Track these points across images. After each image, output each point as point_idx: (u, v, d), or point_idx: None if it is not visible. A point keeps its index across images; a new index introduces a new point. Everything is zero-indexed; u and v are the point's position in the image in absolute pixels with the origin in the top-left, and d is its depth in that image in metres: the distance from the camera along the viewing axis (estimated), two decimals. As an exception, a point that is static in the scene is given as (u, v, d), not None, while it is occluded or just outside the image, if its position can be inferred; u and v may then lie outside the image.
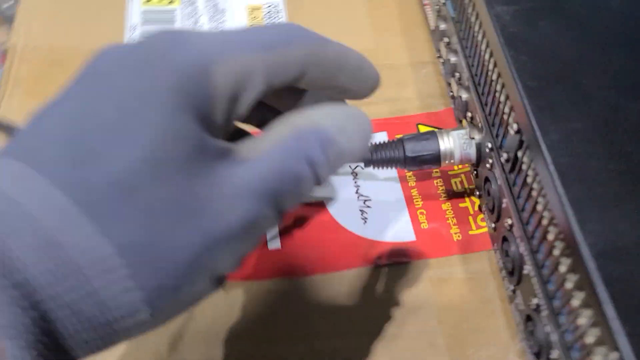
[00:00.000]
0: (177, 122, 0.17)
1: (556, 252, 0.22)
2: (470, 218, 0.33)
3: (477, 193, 0.32)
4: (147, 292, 0.16)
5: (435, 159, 0.31)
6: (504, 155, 0.27)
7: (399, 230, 0.33)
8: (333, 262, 0.32)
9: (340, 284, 0.31)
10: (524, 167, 0.25)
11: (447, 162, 0.31)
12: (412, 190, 0.34)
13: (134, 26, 0.41)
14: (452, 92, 0.35)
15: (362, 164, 0.32)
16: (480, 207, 0.33)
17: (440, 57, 0.38)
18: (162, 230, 0.17)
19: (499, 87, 0.27)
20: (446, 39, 0.35)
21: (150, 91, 0.17)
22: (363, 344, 0.29)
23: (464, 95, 0.32)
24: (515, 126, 0.25)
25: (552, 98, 0.24)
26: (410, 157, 0.31)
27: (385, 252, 0.32)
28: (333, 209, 0.33)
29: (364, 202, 0.34)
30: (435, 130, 0.32)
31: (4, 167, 0.16)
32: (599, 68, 0.25)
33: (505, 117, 0.27)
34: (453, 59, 0.34)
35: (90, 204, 0.16)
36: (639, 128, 0.23)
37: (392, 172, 0.35)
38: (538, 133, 0.23)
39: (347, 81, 0.21)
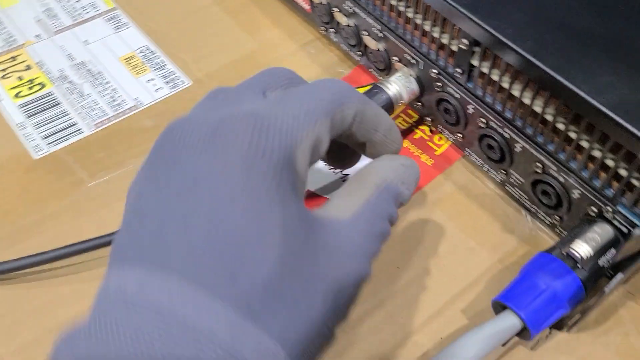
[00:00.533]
0: (291, 213, 0.20)
1: (549, 116, 0.28)
2: (430, 143, 0.38)
3: (428, 119, 0.37)
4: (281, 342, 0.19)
5: (389, 106, 0.35)
6: (458, 70, 0.31)
7: (384, 180, 0.36)
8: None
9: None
10: (485, 70, 0.30)
11: (398, 104, 0.35)
12: (372, 145, 0.38)
13: (23, 124, 0.38)
14: (359, 51, 0.39)
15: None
16: (431, 130, 0.38)
17: (326, 30, 0.41)
18: (304, 312, 0.19)
19: (428, 22, 0.31)
20: (335, 8, 0.38)
21: (261, 190, 0.19)
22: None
23: (381, 45, 0.36)
24: (465, 41, 0.29)
25: (488, 5, 0.28)
26: (371, 113, 0.34)
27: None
28: (318, 190, 0.36)
29: (341, 172, 0.36)
30: (375, 83, 0.36)
31: (164, 283, 0.18)
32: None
33: (443, 41, 0.31)
34: (352, 22, 0.37)
35: (254, 312, 0.18)
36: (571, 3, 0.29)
37: (346, 139, 0.38)
38: (497, 34, 0.27)
39: (380, 138, 0.26)
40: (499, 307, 0.28)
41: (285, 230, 0.19)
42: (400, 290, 0.31)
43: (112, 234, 0.31)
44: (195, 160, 0.20)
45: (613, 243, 0.28)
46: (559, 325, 0.29)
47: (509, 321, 0.26)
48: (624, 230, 0.27)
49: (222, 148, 0.20)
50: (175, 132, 0.22)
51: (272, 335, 0.18)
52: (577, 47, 0.27)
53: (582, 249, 0.27)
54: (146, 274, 0.18)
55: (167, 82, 0.41)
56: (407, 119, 0.39)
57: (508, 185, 0.34)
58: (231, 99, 0.23)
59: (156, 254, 0.18)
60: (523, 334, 0.27)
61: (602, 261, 0.27)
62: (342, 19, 0.38)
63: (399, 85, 0.35)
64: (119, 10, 0.45)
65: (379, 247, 0.23)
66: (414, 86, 0.35)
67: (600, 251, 0.27)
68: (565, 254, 0.28)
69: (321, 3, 0.39)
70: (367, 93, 0.35)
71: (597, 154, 0.27)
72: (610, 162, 0.26)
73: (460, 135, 0.35)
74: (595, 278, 0.28)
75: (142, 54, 0.42)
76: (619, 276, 0.26)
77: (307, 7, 0.42)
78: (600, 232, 0.28)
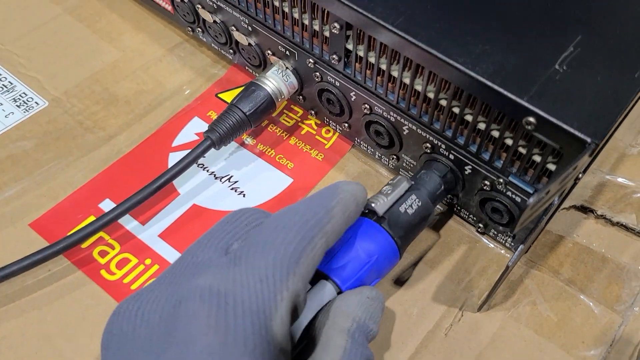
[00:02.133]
0: None
1: (431, 94, 0.27)
2: (317, 137, 0.36)
3: (313, 112, 0.35)
4: None
5: (270, 103, 0.33)
6: (335, 57, 0.30)
7: (275, 182, 0.34)
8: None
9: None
10: (360, 53, 0.28)
11: (279, 100, 0.33)
12: (258, 147, 0.35)
13: None
14: (231, 49, 0.36)
15: (215, 147, 0.32)
16: (317, 124, 0.36)
17: (193, 30, 0.38)
18: None
19: (296, 9, 0.29)
20: (199, 5, 0.35)
21: None
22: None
23: (252, 40, 0.34)
24: (336, 25, 0.28)
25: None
26: (250, 113, 0.32)
27: (282, 205, 0.33)
28: (208, 204, 0.33)
29: (229, 181, 0.34)
30: (251, 80, 0.33)
31: None
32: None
33: (315, 28, 0.29)
34: (218, 18, 0.35)
35: None
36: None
37: (231, 145, 0.35)
38: (366, 14, 0.26)
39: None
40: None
41: None
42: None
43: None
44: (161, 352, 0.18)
45: (411, 188, 0.28)
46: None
47: (329, 294, 0.24)
48: (517, 199, 0.27)
49: (184, 346, 0.18)
50: (126, 320, 0.20)
51: None
52: (449, 19, 0.26)
53: (378, 200, 0.27)
54: None
55: (19, 106, 0.36)
56: (292, 115, 0.37)
57: (402, 171, 0.33)
58: (192, 264, 0.21)
59: None
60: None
61: (403, 207, 0.27)
62: (207, 16, 0.35)
63: (277, 80, 0.33)
64: (-47, 31, 0.40)
65: None
66: (293, 79, 0.33)
67: (398, 199, 0.27)
68: (367, 210, 0.27)
69: (183, 1, 0.36)
70: (243, 92, 0.32)
71: (481, 126, 0.26)
72: (495, 133, 0.26)
73: (347, 124, 0.33)
74: (400, 224, 0.26)
75: (-14, 76, 0.37)
76: (520, 247, 0.25)
77: (169, 7, 0.39)
78: (394, 183, 0.28)
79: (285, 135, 0.36)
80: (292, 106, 0.37)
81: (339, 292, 0.25)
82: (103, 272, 0.30)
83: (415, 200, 0.27)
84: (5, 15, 0.41)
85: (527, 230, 0.27)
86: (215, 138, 0.31)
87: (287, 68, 0.33)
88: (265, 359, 0.18)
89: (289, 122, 0.37)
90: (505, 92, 0.23)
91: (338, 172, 0.34)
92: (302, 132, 0.36)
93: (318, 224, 0.21)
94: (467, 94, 0.25)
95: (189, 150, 0.32)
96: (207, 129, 0.32)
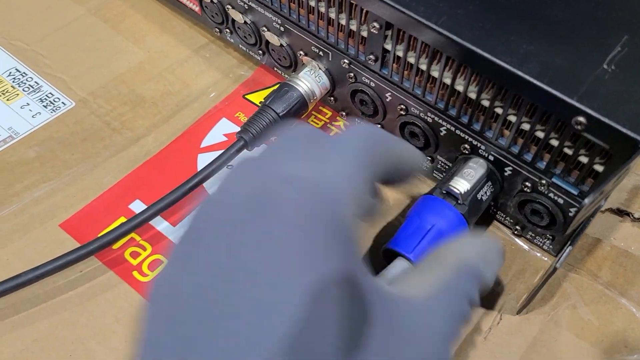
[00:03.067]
0: (362, 291, 0.17)
1: (472, 94, 0.26)
2: (347, 138, 0.35)
3: (343, 113, 0.35)
4: None
5: (303, 104, 0.32)
6: (371, 57, 0.29)
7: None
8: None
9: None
10: (399, 53, 0.28)
11: (311, 101, 0.33)
12: (287, 148, 0.35)
13: None
14: (260, 49, 0.36)
15: (247, 148, 0.31)
16: (345, 125, 0.36)
17: (221, 31, 0.38)
18: None
19: (333, 9, 0.29)
20: (229, 6, 0.35)
21: (326, 263, 0.16)
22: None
23: (284, 40, 0.33)
24: (376, 25, 0.27)
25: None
26: (284, 114, 0.32)
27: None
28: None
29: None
30: (283, 81, 0.33)
31: None
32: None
33: (352, 28, 0.29)
34: (248, 18, 0.34)
35: None
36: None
37: (260, 147, 0.35)
38: (410, 13, 0.26)
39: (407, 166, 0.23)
40: (390, 255, 0.27)
41: (351, 313, 0.16)
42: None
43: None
44: (238, 242, 0.16)
45: (488, 175, 0.28)
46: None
47: (399, 266, 0.26)
48: (560, 201, 0.27)
49: (280, 214, 0.17)
50: (219, 208, 0.18)
51: None
52: (492, 18, 0.26)
53: (459, 184, 0.28)
54: None
55: (46, 106, 0.35)
56: (321, 116, 0.36)
57: (436, 172, 0.32)
58: (267, 164, 0.20)
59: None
60: None
61: (481, 194, 0.28)
62: (238, 17, 0.35)
63: (309, 80, 0.32)
64: (-24, 31, 0.39)
65: (459, 331, 0.20)
66: (325, 80, 0.33)
67: (477, 184, 0.28)
68: (445, 192, 0.28)
69: (212, 2, 0.36)
70: (276, 93, 0.32)
71: (525, 126, 0.26)
72: (539, 134, 0.25)
73: (380, 125, 0.33)
74: (475, 211, 0.28)
75: (11, 77, 0.37)
76: (568, 249, 0.25)
77: (196, 8, 0.38)
78: (475, 167, 0.28)
79: (315, 136, 0.36)
80: (320, 107, 0.37)
81: (410, 262, 0.26)
82: (135, 274, 0.29)
83: (490, 187, 0.28)
84: (29, 15, 0.41)
85: (577, 231, 0.26)
86: (249, 139, 0.31)
87: (319, 69, 0.33)
88: (345, 244, 0.17)
89: (317, 124, 0.36)
90: (555, 92, 0.23)
91: (369, 174, 0.34)
92: (331, 134, 0.36)
93: (385, 140, 0.22)
94: (512, 94, 0.25)
95: (219, 151, 0.31)
96: (239, 129, 0.32)
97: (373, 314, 0.17)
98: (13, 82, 0.36)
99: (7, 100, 0.35)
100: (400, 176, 0.23)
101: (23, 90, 0.36)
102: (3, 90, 0.36)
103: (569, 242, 0.26)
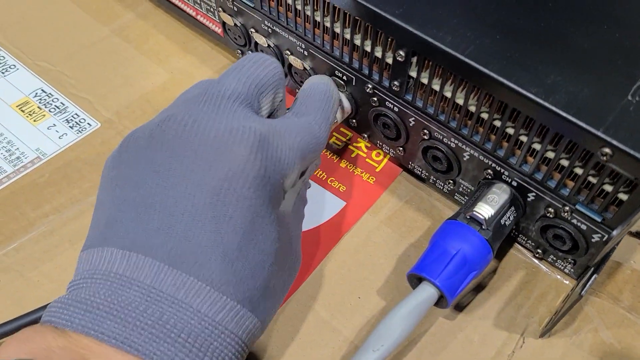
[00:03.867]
0: (280, 226, 0.24)
1: (497, 122, 0.27)
2: (368, 160, 0.36)
3: (365, 135, 0.35)
4: (262, 321, 0.23)
5: (326, 126, 0.33)
6: (396, 83, 0.30)
7: (329, 205, 0.34)
8: (304, 267, 0.32)
9: (324, 274, 0.31)
10: (424, 80, 0.28)
11: (332, 124, 0.33)
12: (309, 169, 0.35)
13: None
14: (285, 71, 0.37)
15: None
16: (367, 146, 0.36)
17: (243, 53, 0.39)
18: (281, 296, 0.25)
19: (358, 36, 0.30)
20: (252, 29, 0.36)
21: (264, 207, 0.23)
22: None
23: (307, 64, 0.34)
24: (401, 53, 0.28)
25: (421, 12, 0.27)
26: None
27: (335, 228, 0.33)
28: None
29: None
30: (306, 104, 0.33)
31: (180, 280, 0.21)
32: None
33: (378, 54, 0.30)
34: (272, 42, 0.35)
35: (254, 305, 0.22)
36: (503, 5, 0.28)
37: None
38: (436, 43, 0.26)
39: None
40: (415, 279, 0.28)
41: (278, 242, 0.23)
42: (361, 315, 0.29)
43: (35, 311, 0.27)
44: (203, 167, 0.22)
45: (512, 201, 0.29)
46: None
47: (426, 292, 0.27)
48: (583, 227, 0.27)
49: (230, 163, 0.22)
50: (178, 125, 0.23)
51: (259, 317, 0.23)
52: (518, 48, 0.26)
53: (483, 210, 0.28)
54: (161, 268, 0.20)
55: (72, 127, 0.36)
56: (341, 137, 0.37)
57: (457, 195, 0.33)
58: (227, 109, 0.24)
59: (167, 252, 0.21)
60: (440, 302, 0.27)
61: (504, 219, 0.29)
62: (261, 40, 0.35)
63: None
64: (2, 52, 0.40)
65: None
66: (347, 103, 0.33)
67: (501, 210, 0.28)
68: (469, 217, 0.28)
69: (235, 25, 0.37)
70: (300, 116, 0.33)
71: (549, 154, 0.26)
72: (564, 162, 0.26)
73: (402, 149, 0.33)
74: (499, 236, 0.29)
75: (38, 97, 0.37)
76: (594, 277, 0.25)
77: (218, 30, 0.39)
78: (499, 192, 0.29)
79: (336, 158, 0.36)
80: (341, 129, 0.37)
81: (435, 287, 0.26)
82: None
83: (513, 212, 0.28)
84: (54, 36, 0.41)
85: (603, 260, 0.27)
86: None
87: (342, 92, 0.33)
88: (277, 197, 0.24)
89: (339, 145, 0.37)
90: (581, 123, 0.24)
91: (390, 195, 0.34)
92: (353, 155, 0.36)
93: (326, 131, 0.28)
94: (538, 123, 0.25)
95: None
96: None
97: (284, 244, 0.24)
98: (39, 103, 0.37)
99: (35, 121, 0.36)
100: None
101: (49, 110, 0.37)
102: (30, 111, 0.37)
103: (593, 269, 0.26)
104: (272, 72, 0.26)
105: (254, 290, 0.22)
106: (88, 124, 0.36)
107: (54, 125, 0.36)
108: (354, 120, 0.35)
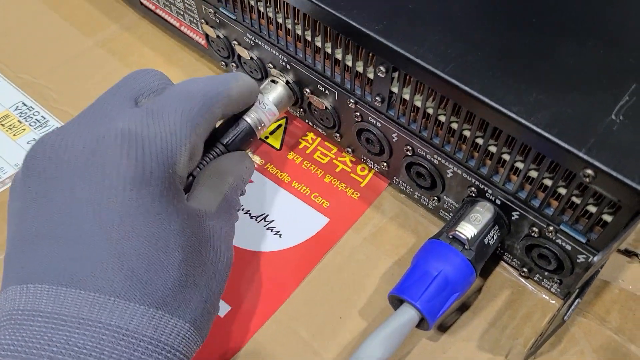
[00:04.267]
0: (183, 219, 0.23)
1: (479, 139, 0.26)
2: (352, 175, 0.35)
3: (349, 150, 0.35)
4: (191, 321, 0.23)
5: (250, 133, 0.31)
6: (378, 99, 0.29)
7: (311, 222, 0.33)
8: (285, 285, 0.31)
9: (306, 293, 0.31)
10: (406, 96, 0.28)
11: (259, 129, 0.31)
12: (293, 184, 0.35)
13: None
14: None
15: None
16: (352, 160, 0.36)
17: (227, 65, 0.38)
18: (204, 294, 0.24)
19: (339, 50, 0.29)
20: (235, 42, 0.35)
21: (155, 207, 0.22)
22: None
23: (291, 77, 0.33)
24: (382, 68, 0.27)
25: (401, 28, 0.27)
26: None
27: (318, 246, 0.32)
28: (244, 244, 0.32)
29: (265, 220, 0.33)
30: (286, 116, 0.33)
31: (79, 298, 0.20)
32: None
33: (359, 69, 0.29)
34: (254, 54, 0.34)
35: (170, 306, 0.22)
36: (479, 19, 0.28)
37: (267, 183, 0.35)
38: (417, 59, 0.25)
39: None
40: (396, 301, 0.27)
41: (183, 236, 0.23)
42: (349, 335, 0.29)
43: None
44: (78, 183, 0.22)
45: (495, 220, 0.28)
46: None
47: (407, 315, 0.26)
48: (568, 248, 0.26)
49: (104, 171, 0.22)
50: (50, 148, 0.23)
51: (186, 319, 0.22)
52: (501, 66, 0.26)
53: (466, 229, 0.28)
54: (59, 292, 0.20)
55: (52, 141, 0.36)
56: (327, 152, 0.36)
57: (442, 212, 0.32)
58: (103, 112, 0.24)
59: (61, 274, 0.20)
60: (422, 324, 0.27)
61: (488, 239, 0.28)
62: (244, 53, 0.35)
63: (257, 110, 0.31)
64: (-16, 63, 0.40)
65: (234, 230, 0.27)
66: (272, 107, 0.32)
67: (484, 229, 0.28)
68: (451, 236, 0.28)
69: (218, 37, 0.36)
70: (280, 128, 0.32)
71: (533, 174, 0.26)
72: (547, 182, 0.25)
73: (386, 164, 0.33)
74: (482, 256, 0.28)
75: (18, 111, 0.37)
76: (577, 301, 0.25)
77: (202, 41, 0.38)
78: (482, 211, 0.28)
79: (320, 172, 0.36)
80: (326, 143, 0.37)
81: (416, 310, 0.26)
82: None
83: (497, 231, 0.28)
84: (36, 48, 0.41)
85: (586, 285, 0.26)
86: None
87: (326, 108, 0.33)
88: (170, 189, 0.23)
89: (323, 160, 0.36)
90: (563, 144, 0.23)
91: (375, 211, 0.34)
92: (337, 170, 0.36)
93: (217, 96, 0.27)
94: (520, 143, 0.25)
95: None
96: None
97: (194, 235, 0.24)
98: (20, 116, 0.37)
99: (14, 135, 0.36)
100: (238, 109, 0.30)
101: (30, 124, 0.36)
102: (10, 125, 0.36)
103: (577, 294, 0.25)
104: (149, 73, 0.27)
105: (166, 291, 0.21)
106: (69, 138, 0.36)
107: (34, 139, 0.36)
108: (337, 134, 0.34)
